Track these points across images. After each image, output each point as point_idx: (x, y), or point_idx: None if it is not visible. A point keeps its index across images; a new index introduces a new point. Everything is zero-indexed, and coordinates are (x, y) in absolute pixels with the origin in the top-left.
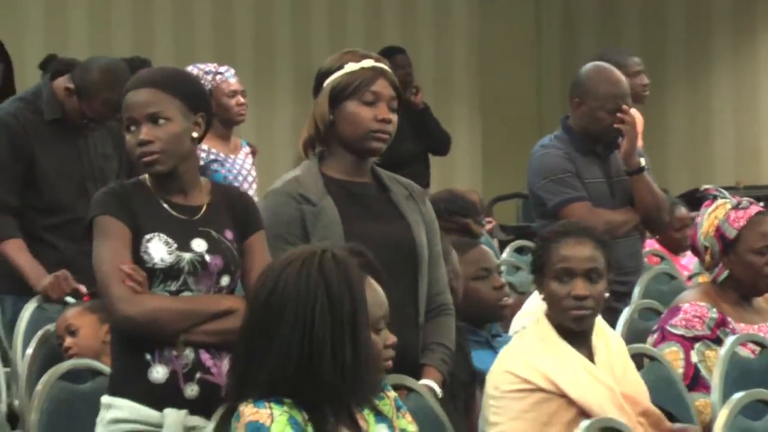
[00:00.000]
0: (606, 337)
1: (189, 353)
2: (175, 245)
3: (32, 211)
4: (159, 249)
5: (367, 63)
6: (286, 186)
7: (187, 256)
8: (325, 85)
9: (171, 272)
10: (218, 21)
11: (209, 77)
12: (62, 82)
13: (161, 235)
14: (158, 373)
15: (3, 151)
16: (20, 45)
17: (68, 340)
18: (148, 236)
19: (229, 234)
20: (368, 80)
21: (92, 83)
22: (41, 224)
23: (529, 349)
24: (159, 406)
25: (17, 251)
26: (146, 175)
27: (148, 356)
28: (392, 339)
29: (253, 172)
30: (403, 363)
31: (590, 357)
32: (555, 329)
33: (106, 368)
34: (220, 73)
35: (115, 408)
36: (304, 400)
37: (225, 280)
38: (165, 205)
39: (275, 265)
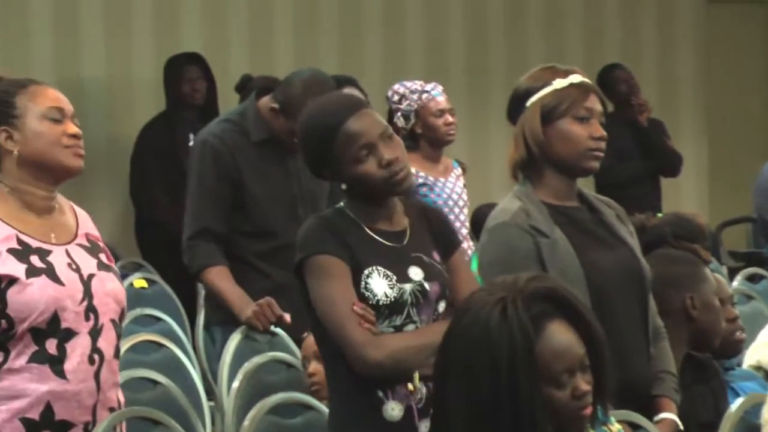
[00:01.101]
0: None
1: (421, 387)
2: (395, 277)
3: (241, 237)
4: (380, 284)
5: (575, 79)
6: (515, 218)
7: (407, 287)
8: (529, 104)
9: (395, 307)
10: (430, 38)
11: (415, 96)
12: (267, 101)
13: (379, 268)
14: (393, 410)
15: (208, 174)
16: (224, 63)
17: (313, 366)
18: (366, 271)
19: (436, 256)
20: (580, 96)
21: (296, 98)
22: (251, 250)
23: None
24: None
25: (220, 279)
26: (342, 204)
27: (381, 393)
28: (583, 388)
29: (465, 196)
30: (634, 395)
31: None
32: None
33: (317, 403)
34: (427, 92)
35: None
36: None
37: (442, 306)
38: (374, 235)
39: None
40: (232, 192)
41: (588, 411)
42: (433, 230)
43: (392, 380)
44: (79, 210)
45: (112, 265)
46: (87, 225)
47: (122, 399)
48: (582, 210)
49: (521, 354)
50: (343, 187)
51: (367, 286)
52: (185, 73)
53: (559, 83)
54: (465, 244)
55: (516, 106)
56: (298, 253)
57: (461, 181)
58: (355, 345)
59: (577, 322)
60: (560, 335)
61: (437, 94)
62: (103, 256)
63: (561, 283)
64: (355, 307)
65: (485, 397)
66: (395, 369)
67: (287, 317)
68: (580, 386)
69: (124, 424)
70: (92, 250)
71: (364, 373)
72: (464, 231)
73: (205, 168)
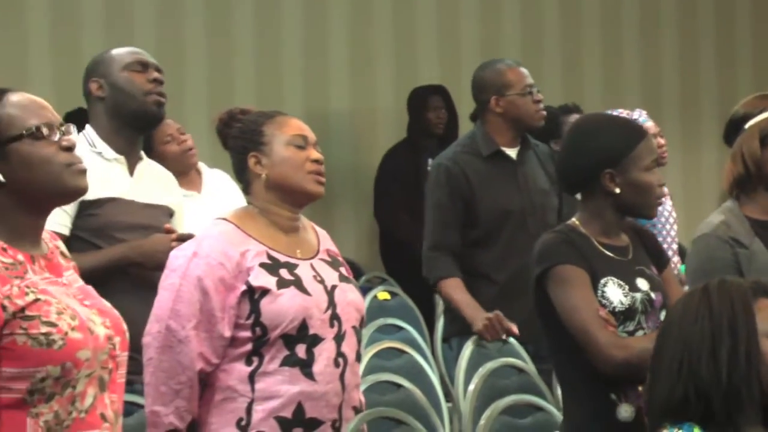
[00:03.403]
0: None
1: None
2: (627, 287)
3: (472, 249)
4: (615, 292)
5: None
6: (716, 230)
7: (638, 296)
8: (747, 126)
9: (628, 314)
10: (645, 63)
11: None
12: (492, 106)
13: (613, 278)
14: (626, 412)
15: (441, 192)
16: (458, 96)
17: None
18: (603, 281)
19: (654, 270)
20: None
21: (499, 74)
22: (480, 260)
23: None
24: None
25: (454, 290)
26: (574, 219)
27: (614, 396)
28: None
29: (674, 213)
30: None
31: None
32: None
33: (548, 405)
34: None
35: None
36: (706, 421)
37: (663, 315)
38: (602, 249)
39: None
40: (464, 208)
41: None
42: (647, 247)
43: (630, 381)
44: (319, 229)
45: (351, 277)
46: (327, 242)
47: (362, 399)
48: None
49: (740, 308)
50: (617, 190)
51: (604, 294)
52: (430, 102)
53: None
54: (676, 258)
55: (732, 129)
56: (539, 265)
57: (669, 200)
58: (602, 346)
59: None
60: None
61: (644, 121)
62: (343, 270)
63: None
64: (600, 312)
65: (701, 350)
66: (640, 368)
67: (515, 329)
68: None
69: (364, 424)
70: (333, 264)
71: (610, 372)
72: (675, 246)
73: (440, 188)
